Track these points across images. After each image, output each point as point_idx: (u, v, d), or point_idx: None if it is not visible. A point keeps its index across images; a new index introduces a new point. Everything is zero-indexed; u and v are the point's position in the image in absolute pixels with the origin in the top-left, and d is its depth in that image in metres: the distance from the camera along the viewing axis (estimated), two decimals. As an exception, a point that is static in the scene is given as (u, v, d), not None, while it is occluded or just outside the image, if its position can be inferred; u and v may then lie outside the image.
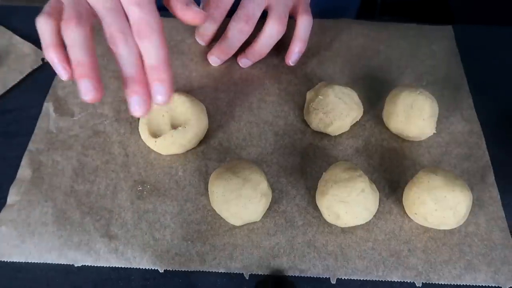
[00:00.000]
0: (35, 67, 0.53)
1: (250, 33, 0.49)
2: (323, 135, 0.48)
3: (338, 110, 0.45)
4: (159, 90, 0.35)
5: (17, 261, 0.39)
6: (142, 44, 0.35)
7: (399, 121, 0.45)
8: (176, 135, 0.44)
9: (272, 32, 0.48)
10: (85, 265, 0.39)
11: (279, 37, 0.49)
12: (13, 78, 0.52)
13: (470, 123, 0.48)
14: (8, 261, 0.39)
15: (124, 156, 0.46)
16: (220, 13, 0.49)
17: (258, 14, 0.48)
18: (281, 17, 0.48)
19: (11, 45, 0.54)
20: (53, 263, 0.39)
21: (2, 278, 0.39)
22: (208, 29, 0.51)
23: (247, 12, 0.47)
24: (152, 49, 0.35)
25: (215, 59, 0.52)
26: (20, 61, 0.53)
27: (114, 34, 0.34)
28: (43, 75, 0.53)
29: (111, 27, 0.35)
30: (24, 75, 0.52)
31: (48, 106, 0.49)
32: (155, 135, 0.45)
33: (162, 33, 0.35)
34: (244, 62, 0.52)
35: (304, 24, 0.50)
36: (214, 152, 0.46)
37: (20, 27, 0.56)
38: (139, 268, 0.39)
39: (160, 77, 0.35)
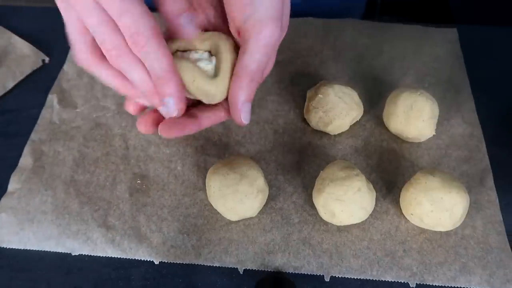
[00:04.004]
0: (35, 68, 0.53)
1: None
2: (323, 134, 0.48)
3: (337, 109, 0.45)
4: (168, 105, 0.33)
5: (16, 247, 0.40)
6: (140, 56, 0.31)
7: (399, 122, 0.45)
8: None
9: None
10: (84, 264, 0.40)
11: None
12: (13, 78, 0.52)
13: (471, 126, 0.48)
14: (7, 247, 0.40)
15: (125, 149, 0.46)
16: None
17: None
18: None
19: (11, 45, 0.54)
20: (51, 251, 0.40)
21: (2, 278, 0.39)
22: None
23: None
24: (150, 60, 0.31)
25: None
26: (20, 61, 0.53)
27: (109, 53, 0.31)
28: (43, 75, 0.53)
29: (104, 44, 0.31)
30: (24, 75, 0.52)
31: (52, 98, 0.50)
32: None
33: (158, 38, 0.31)
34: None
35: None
36: (213, 148, 0.47)
37: (20, 27, 0.56)
38: (139, 267, 0.40)
39: (165, 91, 0.32)
